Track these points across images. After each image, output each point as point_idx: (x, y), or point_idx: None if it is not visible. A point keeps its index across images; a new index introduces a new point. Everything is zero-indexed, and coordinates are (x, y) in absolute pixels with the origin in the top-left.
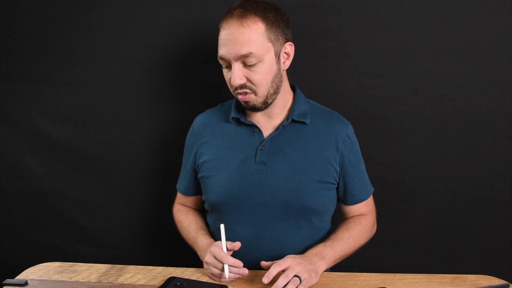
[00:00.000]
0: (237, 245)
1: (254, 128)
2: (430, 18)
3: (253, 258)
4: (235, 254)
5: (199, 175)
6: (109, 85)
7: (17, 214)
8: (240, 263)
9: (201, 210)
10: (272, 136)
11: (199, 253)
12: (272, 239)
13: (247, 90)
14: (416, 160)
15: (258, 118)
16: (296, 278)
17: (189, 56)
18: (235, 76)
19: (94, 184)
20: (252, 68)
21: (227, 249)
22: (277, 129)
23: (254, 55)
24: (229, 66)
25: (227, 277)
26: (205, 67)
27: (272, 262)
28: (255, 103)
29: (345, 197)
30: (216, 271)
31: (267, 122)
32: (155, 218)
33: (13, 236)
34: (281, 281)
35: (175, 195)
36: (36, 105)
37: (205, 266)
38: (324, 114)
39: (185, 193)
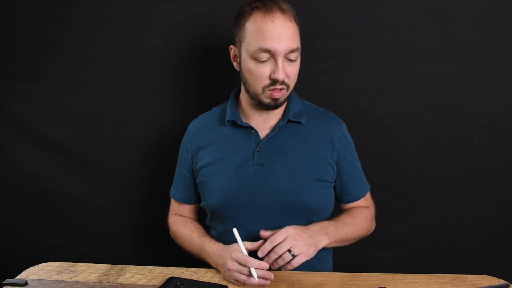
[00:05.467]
0: (260, 244)
1: (251, 130)
2: (430, 18)
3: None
4: None
5: (197, 180)
6: (109, 85)
7: (17, 214)
8: (266, 265)
9: (198, 220)
10: (269, 137)
11: (209, 260)
12: None
13: (284, 86)
14: (416, 160)
15: (255, 119)
16: (288, 254)
17: (189, 56)
18: (282, 71)
19: (94, 184)
20: (292, 63)
21: (247, 250)
22: (273, 129)
23: (298, 50)
24: (266, 60)
25: (256, 280)
26: (206, 67)
27: (271, 232)
28: (282, 100)
29: (342, 196)
30: (242, 276)
31: (264, 123)
32: (155, 218)
33: (13, 236)
34: (272, 256)
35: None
36: (36, 105)
37: (227, 273)
38: (318, 114)
39: (184, 201)
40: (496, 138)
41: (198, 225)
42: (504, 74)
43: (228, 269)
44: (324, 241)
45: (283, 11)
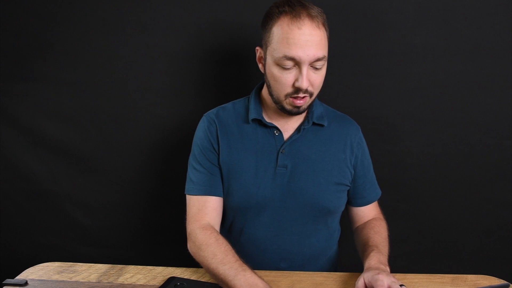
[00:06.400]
0: None
1: (275, 130)
2: (430, 18)
3: (270, 259)
4: (253, 255)
5: (223, 170)
6: (109, 85)
7: (17, 214)
8: None
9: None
10: (293, 139)
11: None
12: (290, 241)
13: (307, 94)
14: (416, 160)
15: (278, 120)
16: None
17: (189, 56)
18: (306, 79)
19: (94, 184)
20: (317, 71)
21: None
22: (298, 131)
23: (325, 58)
24: (291, 68)
25: None
26: (206, 67)
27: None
28: (305, 107)
29: (354, 199)
30: None
31: (286, 124)
32: (155, 218)
33: (13, 236)
34: None
35: (175, 194)
36: (36, 105)
37: None
38: (337, 117)
39: (209, 192)
40: (496, 138)
41: (232, 247)
42: (504, 74)
43: None
44: (388, 270)
45: (311, 17)
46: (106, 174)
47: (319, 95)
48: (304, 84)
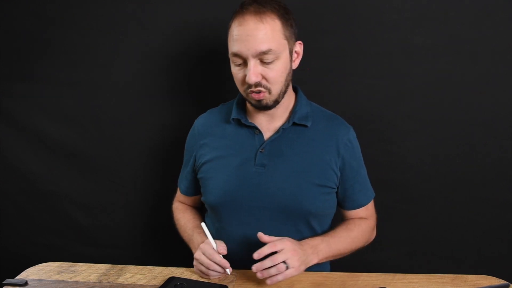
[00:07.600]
0: (222, 249)
1: (255, 130)
2: (430, 18)
3: (251, 260)
4: (235, 252)
5: (198, 176)
6: (109, 85)
7: (17, 214)
8: (227, 264)
9: (200, 209)
10: (273, 138)
11: (194, 251)
12: None
13: (262, 89)
14: (416, 160)
15: (259, 120)
16: (283, 265)
17: (189, 56)
18: (252, 73)
19: (94, 184)
20: (269, 66)
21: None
22: (277, 131)
23: (273, 52)
24: (241, 64)
25: (229, 273)
26: (205, 67)
27: (270, 237)
28: (268, 102)
29: (344, 202)
30: (203, 268)
31: (268, 124)
32: (155, 218)
33: (13, 236)
34: (267, 263)
35: (174, 194)
36: (36, 105)
37: (194, 262)
38: (326, 118)
39: (185, 193)
40: (496, 138)
41: (196, 215)
42: (504, 74)
43: (195, 258)
44: (314, 261)
45: (257, 12)
46: (106, 174)
47: (318, 95)
48: (251, 79)
